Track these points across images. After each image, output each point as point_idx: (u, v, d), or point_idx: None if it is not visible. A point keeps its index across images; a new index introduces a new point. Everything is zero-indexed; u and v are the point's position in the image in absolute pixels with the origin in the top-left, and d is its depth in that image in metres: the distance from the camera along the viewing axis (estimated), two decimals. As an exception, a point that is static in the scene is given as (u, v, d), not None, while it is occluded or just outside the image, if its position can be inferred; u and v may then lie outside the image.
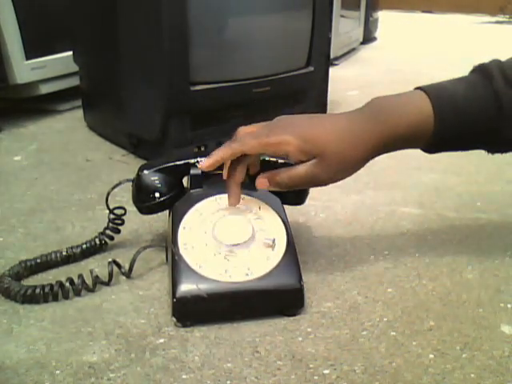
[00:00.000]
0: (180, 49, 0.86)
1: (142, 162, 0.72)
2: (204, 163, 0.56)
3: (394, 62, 2.27)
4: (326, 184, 0.57)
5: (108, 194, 0.64)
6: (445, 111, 0.57)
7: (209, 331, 0.52)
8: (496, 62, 0.60)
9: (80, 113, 1.19)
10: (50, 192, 0.85)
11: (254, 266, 0.54)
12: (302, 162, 0.56)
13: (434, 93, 0.58)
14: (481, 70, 0.60)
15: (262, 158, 0.61)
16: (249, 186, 0.60)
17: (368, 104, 0.59)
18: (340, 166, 0.56)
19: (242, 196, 0.60)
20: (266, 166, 0.62)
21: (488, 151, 0.62)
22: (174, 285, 0.53)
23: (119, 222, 0.66)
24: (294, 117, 0.58)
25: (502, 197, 0.85)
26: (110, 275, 0.59)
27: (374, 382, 0.46)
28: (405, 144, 0.58)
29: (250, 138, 0.56)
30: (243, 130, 0.59)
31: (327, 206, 0.80)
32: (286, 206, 0.62)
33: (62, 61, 1.23)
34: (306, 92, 1.10)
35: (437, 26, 3.91)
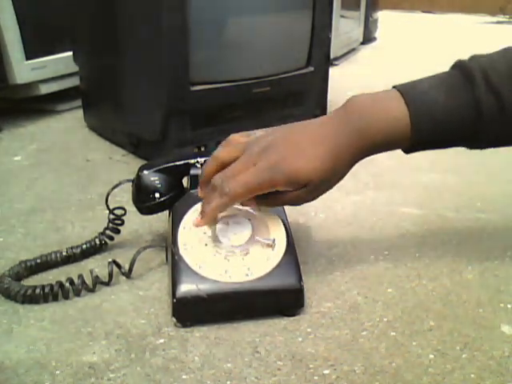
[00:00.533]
0: (180, 49, 0.86)
1: (142, 162, 0.72)
2: (200, 222, 0.56)
3: (394, 62, 2.27)
4: (315, 199, 0.58)
5: (108, 195, 0.64)
6: (422, 121, 0.56)
7: (209, 331, 0.52)
8: (478, 62, 0.58)
9: (80, 113, 1.19)
10: (50, 192, 0.85)
11: (253, 266, 0.54)
12: None
13: (412, 99, 0.56)
14: (462, 71, 0.59)
15: None
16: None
17: (346, 108, 0.57)
18: (325, 187, 0.57)
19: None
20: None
21: (467, 148, 0.63)
22: (174, 285, 0.53)
23: (119, 222, 0.66)
24: (275, 141, 0.56)
25: (501, 197, 0.85)
26: (110, 275, 0.59)
27: (374, 382, 0.46)
28: (381, 150, 0.58)
29: (237, 185, 0.54)
30: (234, 139, 0.59)
31: (327, 206, 0.80)
32: (286, 206, 0.62)
33: (61, 61, 1.23)
34: (305, 92, 1.10)
35: (437, 26, 3.91)
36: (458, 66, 0.60)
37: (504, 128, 0.58)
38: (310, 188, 0.55)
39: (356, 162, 0.58)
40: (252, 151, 0.55)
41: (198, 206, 0.59)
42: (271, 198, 0.56)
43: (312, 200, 0.58)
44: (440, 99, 0.57)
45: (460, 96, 0.57)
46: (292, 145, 0.55)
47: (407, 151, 0.60)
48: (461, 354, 0.50)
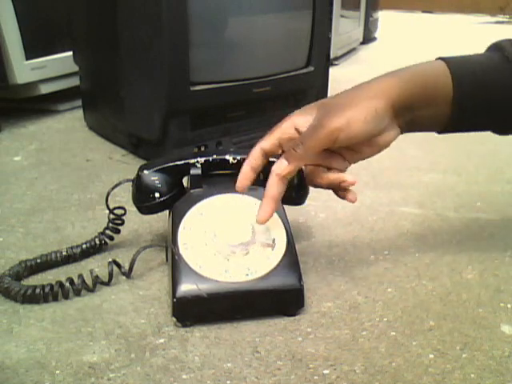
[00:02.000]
0: (180, 49, 0.86)
1: (142, 161, 0.72)
2: (237, 185, 0.55)
3: (394, 62, 2.26)
4: (340, 132, 0.53)
5: (108, 194, 0.64)
6: (463, 75, 0.56)
7: (209, 331, 0.52)
8: (508, 40, 0.60)
9: (80, 113, 1.19)
10: (50, 192, 0.85)
11: (253, 266, 0.54)
12: None
13: (452, 60, 0.57)
14: (493, 46, 0.61)
15: None
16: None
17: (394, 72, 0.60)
18: (343, 105, 0.54)
19: (243, 197, 0.60)
20: (266, 167, 0.62)
21: (500, 130, 0.61)
22: (174, 285, 0.53)
23: (119, 222, 0.66)
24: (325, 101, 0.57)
25: (501, 197, 0.85)
26: (110, 275, 0.59)
27: (374, 382, 0.46)
28: (424, 107, 0.56)
29: (306, 141, 0.53)
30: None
31: (327, 206, 0.80)
32: (286, 206, 0.62)
33: (61, 61, 1.23)
34: (306, 92, 1.10)
35: (437, 26, 3.92)
36: (491, 46, 0.61)
37: None
38: (324, 105, 0.54)
39: (394, 105, 0.55)
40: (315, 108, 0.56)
41: (198, 206, 0.59)
42: (301, 136, 0.54)
43: (339, 128, 0.53)
44: (474, 58, 0.58)
45: (493, 58, 0.58)
46: (336, 98, 0.57)
47: (448, 123, 0.57)
48: (461, 354, 0.50)
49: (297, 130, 0.56)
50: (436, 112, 0.57)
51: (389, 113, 0.55)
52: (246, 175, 0.56)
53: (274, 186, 0.54)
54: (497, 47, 0.59)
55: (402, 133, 0.58)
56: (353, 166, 0.82)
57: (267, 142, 0.56)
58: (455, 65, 0.57)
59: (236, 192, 0.60)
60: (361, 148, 0.58)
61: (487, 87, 0.57)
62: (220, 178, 0.63)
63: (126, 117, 0.97)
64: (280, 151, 0.57)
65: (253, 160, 0.56)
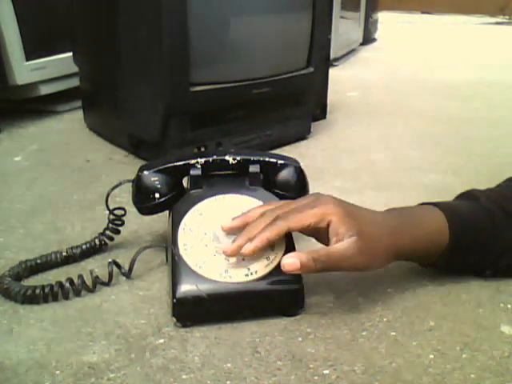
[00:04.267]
0: (180, 49, 0.86)
1: (142, 162, 0.72)
2: (249, 249, 0.52)
3: (394, 63, 2.27)
4: (358, 269, 0.56)
5: (108, 195, 0.64)
6: (456, 222, 0.59)
7: (209, 331, 0.52)
8: (480, 191, 0.64)
9: (80, 114, 1.19)
10: (50, 192, 0.85)
11: (253, 266, 0.54)
12: (326, 242, 0.55)
13: (444, 207, 0.60)
14: (466, 195, 0.64)
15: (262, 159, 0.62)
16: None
17: (389, 210, 0.61)
18: (372, 251, 0.55)
19: (243, 197, 0.60)
20: (266, 167, 0.62)
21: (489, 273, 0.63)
22: (174, 285, 0.53)
23: (119, 222, 0.66)
24: (335, 197, 0.57)
25: (501, 197, 0.85)
26: (110, 275, 0.59)
27: (374, 382, 0.46)
28: (423, 251, 0.59)
29: (294, 212, 0.54)
30: (276, 203, 0.58)
31: (327, 207, 0.80)
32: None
33: (61, 62, 1.23)
34: (305, 93, 1.10)
35: (436, 27, 3.92)
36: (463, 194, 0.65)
37: None
38: (359, 240, 0.53)
39: (400, 247, 0.57)
40: (310, 198, 0.57)
41: (198, 207, 0.59)
42: (320, 250, 0.53)
43: (357, 265, 0.54)
44: (461, 205, 0.62)
45: (473, 205, 0.62)
46: (346, 201, 0.57)
47: (442, 261, 0.60)
48: (461, 354, 0.50)
49: (327, 224, 0.54)
50: (427, 259, 0.61)
51: (394, 260, 0.58)
52: (261, 244, 0.52)
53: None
54: (469, 197, 0.63)
55: None
56: (353, 166, 0.82)
57: (297, 227, 0.54)
58: (449, 213, 0.59)
59: (236, 192, 0.61)
60: None
61: (477, 234, 0.60)
62: (220, 178, 0.63)
63: (126, 118, 0.97)
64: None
65: (275, 234, 0.53)
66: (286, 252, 0.55)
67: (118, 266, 0.60)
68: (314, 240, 0.71)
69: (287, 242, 0.56)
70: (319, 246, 0.69)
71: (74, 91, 1.26)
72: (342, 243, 0.53)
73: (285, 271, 0.52)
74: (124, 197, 0.73)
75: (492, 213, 0.60)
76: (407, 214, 0.60)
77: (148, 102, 0.92)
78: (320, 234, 0.55)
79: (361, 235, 0.53)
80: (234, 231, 0.55)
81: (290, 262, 0.51)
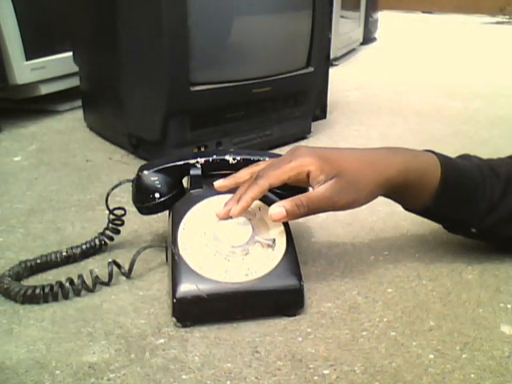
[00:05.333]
0: (180, 49, 0.86)
1: (142, 162, 0.72)
2: (235, 211, 0.55)
3: (394, 62, 2.27)
4: (342, 207, 0.57)
5: (108, 195, 0.64)
6: (449, 165, 0.61)
7: (209, 331, 0.52)
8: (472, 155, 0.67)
9: (80, 113, 1.19)
10: (50, 192, 0.85)
11: (253, 266, 0.54)
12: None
13: (438, 153, 0.63)
14: (459, 156, 0.67)
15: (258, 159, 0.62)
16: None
17: (378, 147, 0.62)
18: (355, 186, 0.57)
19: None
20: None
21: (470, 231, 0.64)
22: (174, 285, 0.53)
23: (119, 222, 0.66)
24: (311, 146, 0.60)
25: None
26: (110, 275, 0.59)
27: (374, 382, 0.46)
28: (411, 187, 0.60)
29: (272, 169, 0.56)
30: (264, 163, 0.59)
31: (327, 207, 0.80)
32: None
33: (61, 61, 1.23)
34: (305, 92, 1.10)
35: (436, 27, 3.92)
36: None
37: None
38: (339, 181, 0.55)
39: (388, 181, 0.58)
40: (289, 153, 0.58)
41: (198, 206, 0.59)
42: (301, 196, 0.55)
43: (340, 204, 0.56)
44: (459, 161, 0.64)
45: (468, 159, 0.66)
46: (327, 148, 0.60)
47: (431, 202, 0.61)
48: (461, 354, 0.50)
49: (306, 175, 0.57)
50: (415, 196, 0.62)
51: (382, 193, 0.60)
52: (246, 204, 0.55)
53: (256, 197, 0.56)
54: (464, 156, 0.67)
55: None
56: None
57: (277, 181, 0.56)
58: (444, 159, 0.62)
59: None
60: None
61: (468, 177, 0.62)
62: (220, 178, 0.63)
63: (126, 117, 0.97)
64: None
65: (257, 192, 0.55)
66: (285, 252, 0.55)
67: (118, 265, 0.60)
68: (313, 239, 0.71)
69: (287, 242, 0.56)
70: (319, 246, 0.70)
71: (74, 91, 1.26)
72: (322, 186, 0.56)
73: (274, 220, 0.55)
74: (124, 197, 0.73)
75: (481, 169, 0.63)
76: (399, 149, 0.62)
77: (148, 102, 0.92)
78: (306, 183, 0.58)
79: (340, 175, 0.56)
80: (224, 189, 0.58)
81: (277, 211, 0.55)
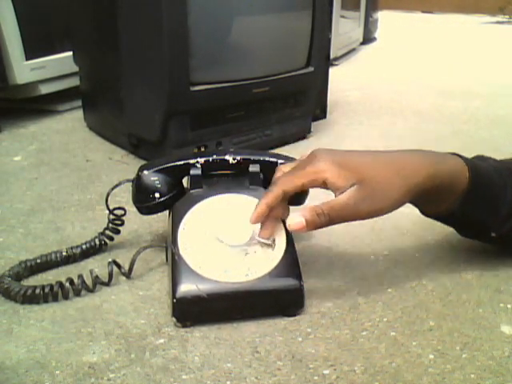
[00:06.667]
0: (180, 49, 0.86)
1: (142, 162, 0.72)
2: (252, 217, 0.54)
3: (394, 62, 2.27)
4: (367, 215, 0.54)
5: (108, 195, 0.64)
6: (475, 168, 0.59)
7: (209, 331, 0.52)
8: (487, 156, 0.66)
9: (80, 113, 1.19)
10: (50, 192, 0.85)
11: (253, 266, 0.54)
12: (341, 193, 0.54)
13: (462, 156, 0.61)
14: (475, 157, 0.65)
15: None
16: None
17: (403, 150, 0.59)
18: (380, 194, 0.54)
19: (243, 197, 0.60)
20: (266, 166, 0.62)
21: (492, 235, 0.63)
22: (174, 285, 0.53)
23: (119, 222, 0.66)
24: (330, 149, 0.57)
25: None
26: (110, 275, 0.59)
27: (374, 382, 0.46)
28: (440, 191, 0.58)
29: (287, 176, 0.55)
30: (281, 169, 0.58)
31: (327, 206, 0.80)
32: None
33: (61, 61, 1.23)
34: (305, 92, 1.10)
35: (436, 27, 3.92)
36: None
37: None
38: (363, 188, 0.53)
39: (416, 186, 0.55)
40: (307, 157, 0.57)
41: (198, 206, 0.59)
42: (322, 204, 0.53)
43: (365, 213, 0.54)
44: (480, 164, 0.62)
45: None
46: (348, 151, 0.57)
47: (458, 206, 0.60)
48: (461, 354, 0.50)
49: (323, 183, 0.54)
50: (441, 201, 0.60)
51: (410, 200, 0.58)
52: (261, 210, 0.54)
53: (277, 209, 0.55)
54: (479, 157, 0.64)
55: None
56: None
57: (291, 188, 0.54)
58: (471, 163, 0.60)
59: (236, 192, 0.61)
60: None
61: (494, 186, 0.60)
62: (220, 178, 0.63)
63: (126, 117, 0.97)
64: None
65: (271, 198, 0.54)
66: (285, 252, 0.55)
67: (118, 265, 0.60)
68: (313, 239, 0.71)
69: (287, 242, 0.56)
70: (319, 246, 0.70)
71: (73, 91, 1.25)
72: (344, 194, 0.53)
73: (293, 231, 0.54)
74: (124, 196, 0.73)
75: (500, 172, 0.61)
76: (426, 152, 0.59)
77: (148, 102, 0.92)
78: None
79: (363, 182, 0.53)
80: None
81: (297, 221, 0.52)
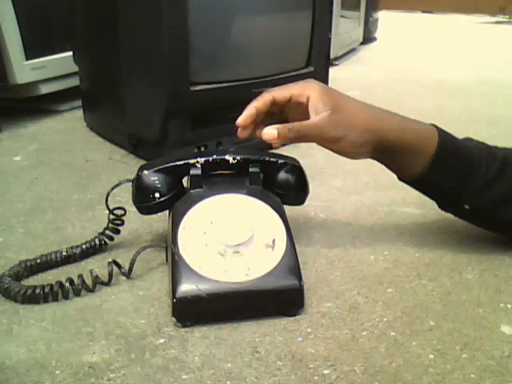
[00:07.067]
0: (180, 49, 0.86)
1: (142, 162, 0.72)
2: (239, 119, 0.61)
3: (394, 62, 2.27)
4: (330, 140, 0.60)
5: (108, 195, 0.64)
6: (446, 136, 0.64)
7: (209, 331, 0.52)
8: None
9: (80, 113, 1.19)
10: (50, 192, 0.85)
11: (253, 266, 0.54)
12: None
13: (439, 127, 0.65)
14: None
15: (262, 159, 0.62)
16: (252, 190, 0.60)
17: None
18: (347, 123, 0.60)
19: (243, 197, 0.60)
20: (266, 166, 0.62)
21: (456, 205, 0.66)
22: (174, 285, 0.53)
23: (119, 222, 0.66)
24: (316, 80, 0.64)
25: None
26: (110, 275, 0.59)
27: (374, 382, 0.46)
28: (406, 150, 0.62)
29: (278, 87, 0.62)
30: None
31: (327, 206, 0.80)
32: (285, 206, 0.62)
33: (61, 61, 1.23)
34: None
35: (437, 26, 3.92)
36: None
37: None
38: (334, 114, 0.59)
39: (381, 133, 0.60)
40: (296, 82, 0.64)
41: (198, 206, 0.59)
42: (295, 122, 0.59)
43: (330, 140, 0.60)
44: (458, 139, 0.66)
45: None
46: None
47: (422, 173, 0.63)
48: (461, 354, 0.50)
49: (306, 99, 0.61)
50: (409, 162, 0.63)
51: (372, 146, 0.62)
52: (249, 112, 0.61)
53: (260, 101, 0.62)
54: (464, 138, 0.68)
55: (367, 158, 0.64)
56: (353, 166, 0.82)
57: (280, 95, 0.61)
58: (443, 132, 0.64)
59: (236, 192, 0.60)
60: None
61: (464, 156, 0.64)
62: (220, 177, 0.63)
63: (126, 117, 0.97)
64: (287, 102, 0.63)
65: (261, 103, 0.61)
66: (285, 252, 0.55)
67: (118, 265, 0.60)
68: (313, 239, 0.71)
69: (287, 242, 0.56)
70: (319, 246, 0.70)
71: (74, 90, 1.25)
72: (317, 116, 0.59)
73: (265, 140, 0.60)
74: (124, 196, 0.73)
75: (479, 148, 0.65)
76: (397, 114, 0.64)
77: (148, 102, 0.92)
78: (303, 115, 0.61)
79: (336, 109, 0.59)
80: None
81: (270, 132, 0.59)
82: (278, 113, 0.64)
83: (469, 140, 0.67)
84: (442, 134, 0.63)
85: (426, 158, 0.62)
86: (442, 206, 0.68)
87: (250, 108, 0.61)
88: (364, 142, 0.60)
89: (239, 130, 0.63)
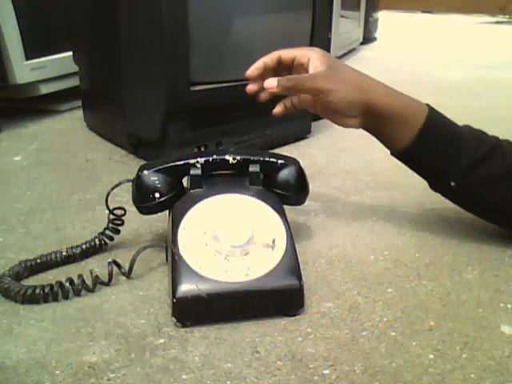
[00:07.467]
0: (180, 49, 0.86)
1: (142, 162, 0.72)
2: (249, 70, 0.69)
3: (394, 62, 2.27)
4: (321, 90, 0.64)
5: (108, 195, 0.64)
6: (436, 113, 0.67)
7: (209, 331, 0.52)
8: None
9: (80, 113, 1.19)
10: (50, 192, 0.85)
11: (253, 266, 0.54)
12: None
13: (430, 105, 0.68)
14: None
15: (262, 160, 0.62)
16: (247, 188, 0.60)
17: None
18: (340, 81, 0.65)
19: (243, 197, 0.60)
20: (266, 166, 0.62)
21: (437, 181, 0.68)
22: (174, 285, 0.53)
23: (119, 222, 0.66)
24: None
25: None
26: (110, 275, 0.59)
27: (374, 382, 0.46)
28: (394, 119, 0.65)
29: (285, 48, 0.69)
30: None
31: (327, 206, 0.80)
32: (285, 206, 0.62)
33: (62, 61, 1.23)
34: (305, 92, 1.10)
35: (437, 27, 3.92)
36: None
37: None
38: (329, 70, 0.65)
39: (369, 101, 0.65)
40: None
41: (198, 206, 0.59)
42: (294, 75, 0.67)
43: (323, 91, 0.64)
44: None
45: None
46: None
47: (408, 146, 0.65)
48: (461, 354, 0.50)
49: (307, 60, 0.67)
50: (398, 133, 0.66)
51: (361, 109, 0.65)
52: (258, 64, 0.68)
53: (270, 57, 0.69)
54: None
55: (358, 128, 0.68)
56: (353, 166, 0.82)
57: (285, 54, 0.68)
58: (434, 110, 0.67)
59: (236, 192, 0.61)
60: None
61: (452, 134, 0.66)
62: (220, 178, 0.63)
63: (126, 117, 0.97)
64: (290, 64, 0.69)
65: (269, 59, 0.68)
66: (285, 252, 0.55)
67: (118, 265, 0.60)
68: (313, 239, 0.71)
69: (287, 242, 0.56)
70: (319, 246, 0.70)
71: (74, 90, 1.26)
72: (311, 71, 0.66)
73: (266, 87, 0.66)
74: (124, 196, 0.73)
75: (471, 130, 0.68)
76: (391, 87, 0.68)
77: (148, 102, 0.91)
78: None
79: (331, 67, 0.66)
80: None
81: (271, 81, 0.65)
82: (284, 74, 0.69)
83: (465, 126, 0.69)
84: (433, 111, 0.66)
85: (414, 131, 0.64)
86: (431, 185, 0.69)
87: (259, 62, 0.68)
88: (353, 100, 0.64)
89: (249, 84, 0.70)
